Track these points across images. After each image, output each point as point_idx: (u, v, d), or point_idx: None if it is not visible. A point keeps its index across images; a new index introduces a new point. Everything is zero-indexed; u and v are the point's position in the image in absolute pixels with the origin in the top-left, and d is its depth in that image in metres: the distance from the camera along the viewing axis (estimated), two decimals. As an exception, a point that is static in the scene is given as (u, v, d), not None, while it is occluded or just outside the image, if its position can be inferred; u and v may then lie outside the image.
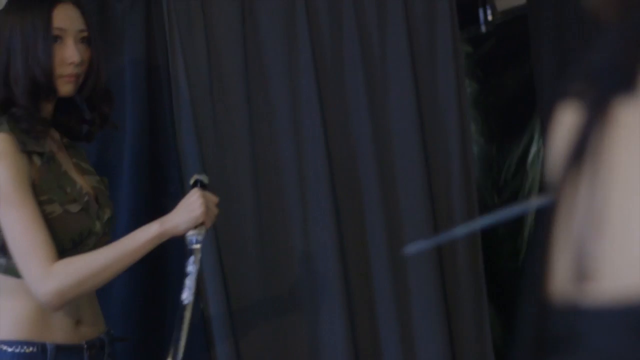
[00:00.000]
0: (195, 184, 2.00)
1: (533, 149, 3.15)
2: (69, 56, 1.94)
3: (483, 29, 3.23)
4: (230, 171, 2.57)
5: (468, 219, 2.70)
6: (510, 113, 3.24)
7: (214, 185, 2.49)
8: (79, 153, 2.13)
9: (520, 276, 3.23)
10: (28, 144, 1.90)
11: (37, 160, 1.91)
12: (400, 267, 2.65)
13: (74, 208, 1.94)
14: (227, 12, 2.56)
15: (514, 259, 3.31)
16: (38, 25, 1.90)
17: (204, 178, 2.02)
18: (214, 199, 1.97)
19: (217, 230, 2.53)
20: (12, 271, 1.93)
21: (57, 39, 1.93)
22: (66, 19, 1.95)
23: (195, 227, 1.92)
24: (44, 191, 1.90)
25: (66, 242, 1.92)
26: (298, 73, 2.60)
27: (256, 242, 2.58)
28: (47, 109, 2.00)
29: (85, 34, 1.98)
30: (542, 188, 3.08)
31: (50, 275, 1.83)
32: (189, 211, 1.91)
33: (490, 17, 3.20)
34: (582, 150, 0.69)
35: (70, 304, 1.94)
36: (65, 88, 1.96)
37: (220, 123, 2.56)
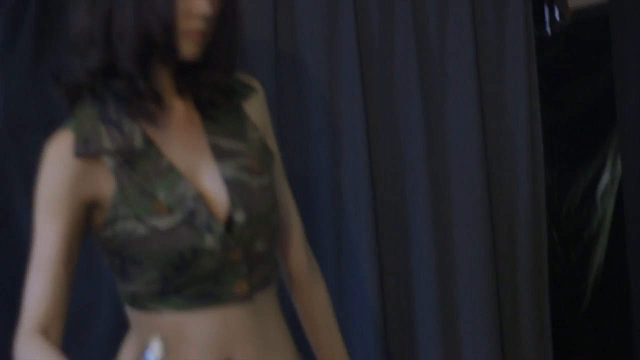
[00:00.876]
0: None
1: (605, 177, 2.89)
2: (198, 5, 1.52)
3: (548, 31, 2.87)
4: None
5: (535, 251, 2.48)
6: (577, 133, 3.02)
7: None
8: (225, 127, 1.65)
9: (582, 326, 2.96)
10: (94, 141, 1.52)
11: (109, 162, 1.53)
12: (451, 312, 2.41)
13: (164, 223, 1.52)
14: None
15: (574, 306, 3.12)
16: None
17: (156, 352, 1.43)
18: None
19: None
20: (126, 299, 1.61)
21: None
22: None
23: None
24: (119, 203, 1.53)
25: (165, 267, 1.52)
26: (339, 63, 2.36)
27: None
28: (163, 76, 1.58)
29: None
30: (616, 224, 2.80)
31: (19, 345, 1.50)
32: None
33: (558, 18, 2.87)
34: None
35: (214, 335, 1.56)
36: (189, 48, 1.54)
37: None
